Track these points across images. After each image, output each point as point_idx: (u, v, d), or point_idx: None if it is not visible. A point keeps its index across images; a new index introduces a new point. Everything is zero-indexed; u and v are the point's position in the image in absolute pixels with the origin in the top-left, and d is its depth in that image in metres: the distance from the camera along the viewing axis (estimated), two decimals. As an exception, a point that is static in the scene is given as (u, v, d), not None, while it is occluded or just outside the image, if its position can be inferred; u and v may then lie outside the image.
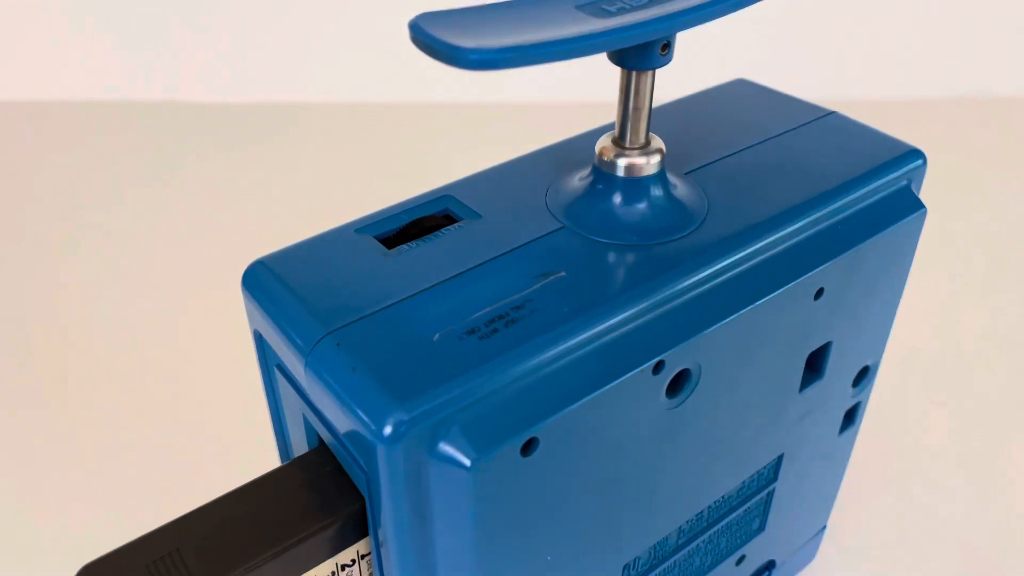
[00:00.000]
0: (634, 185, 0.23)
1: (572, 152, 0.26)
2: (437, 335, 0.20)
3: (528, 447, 0.19)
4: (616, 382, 0.20)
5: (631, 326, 0.21)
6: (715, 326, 0.22)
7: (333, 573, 0.22)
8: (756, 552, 0.31)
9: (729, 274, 0.22)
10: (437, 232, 0.23)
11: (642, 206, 0.23)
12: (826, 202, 0.24)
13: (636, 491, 0.23)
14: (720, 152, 0.26)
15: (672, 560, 0.27)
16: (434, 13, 0.19)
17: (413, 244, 0.23)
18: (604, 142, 0.23)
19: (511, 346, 0.19)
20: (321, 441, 0.23)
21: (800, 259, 0.23)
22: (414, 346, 0.19)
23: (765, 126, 0.28)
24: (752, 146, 0.26)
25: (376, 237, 0.23)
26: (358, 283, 0.21)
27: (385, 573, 0.22)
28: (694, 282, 0.22)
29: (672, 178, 0.24)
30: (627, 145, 0.23)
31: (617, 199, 0.23)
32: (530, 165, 0.26)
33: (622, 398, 0.20)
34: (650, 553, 0.26)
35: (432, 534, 0.20)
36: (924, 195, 0.27)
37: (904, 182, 0.26)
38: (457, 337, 0.20)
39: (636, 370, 0.20)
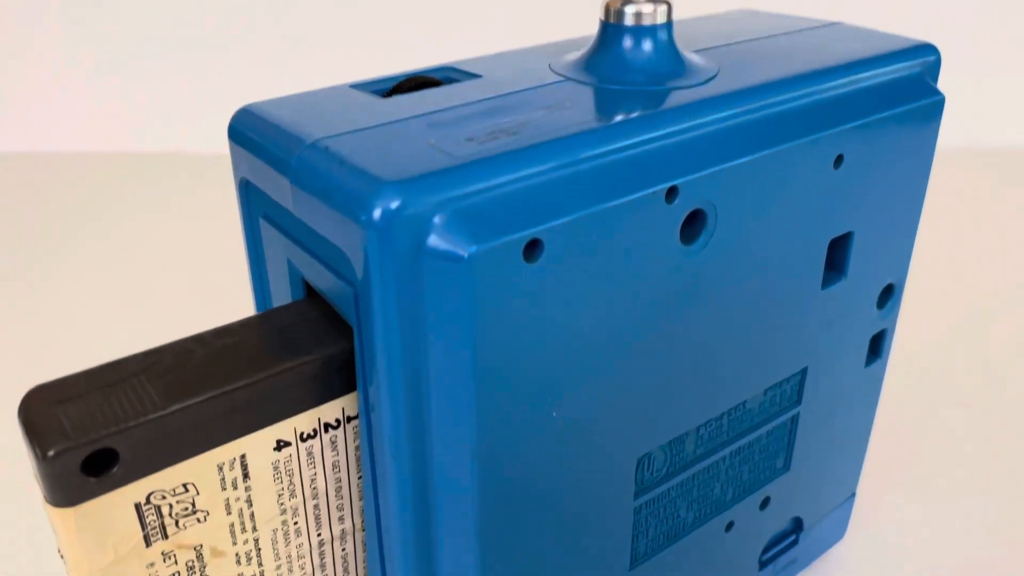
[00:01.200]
0: (643, 32, 0.22)
1: (578, 44, 0.25)
2: (432, 140, 0.18)
3: (532, 251, 0.17)
4: (627, 198, 0.19)
5: (644, 149, 0.19)
6: (730, 163, 0.20)
7: (315, 431, 0.20)
8: (782, 499, 0.28)
9: (744, 119, 0.21)
10: (436, 87, 0.22)
11: (651, 53, 0.22)
12: (839, 73, 0.23)
13: (650, 354, 0.21)
14: (728, 40, 0.26)
15: (690, 473, 0.24)
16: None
17: (411, 94, 0.22)
18: (610, -4, 0.22)
19: (514, 146, 0.18)
20: (308, 292, 0.21)
21: (816, 117, 0.22)
22: (408, 148, 0.18)
23: (773, 28, 0.27)
24: (761, 38, 0.26)
25: (372, 92, 0.22)
26: (350, 112, 0.20)
27: (374, 445, 0.20)
28: (708, 120, 0.21)
29: (680, 47, 0.23)
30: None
31: (627, 44, 0.22)
32: (531, 51, 0.25)
33: (635, 222, 0.19)
34: (666, 455, 0.23)
35: (426, 368, 0.18)
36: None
37: (918, 70, 0.25)
38: (455, 142, 0.18)
39: (648, 190, 0.19)
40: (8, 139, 0.80)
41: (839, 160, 0.23)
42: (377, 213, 0.16)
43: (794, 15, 0.29)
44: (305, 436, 0.20)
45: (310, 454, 0.20)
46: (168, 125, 0.79)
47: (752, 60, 0.24)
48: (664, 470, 0.24)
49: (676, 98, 0.21)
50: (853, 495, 0.32)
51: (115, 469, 0.17)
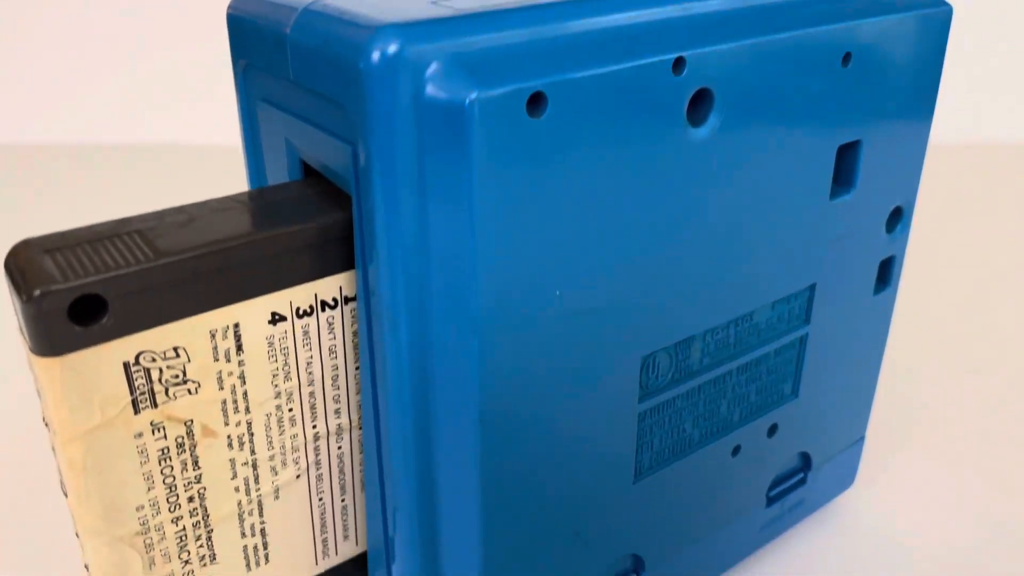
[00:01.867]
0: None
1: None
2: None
3: (536, 104, 0.17)
4: (634, 63, 0.18)
5: (653, 19, 0.19)
6: (739, 42, 0.20)
7: (311, 308, 0.19)
8: (789, 428, 0.28)
9: (753, 2, 0.21)
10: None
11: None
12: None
13: (656, 240, 0.20)
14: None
15: (696, 383, 0.24)
16: None
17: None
18: None
19: (521, 3, 0.18)
20: (305, 172, 0.20)
21: (825, 8, 0.22)
22: (409, 4, 0.18)
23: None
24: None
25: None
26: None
27: (372, 326, 0.19)
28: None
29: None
30: None
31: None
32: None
33: (642, 91, 0.18)
34: (671, 360, 0.23)
35: (426, 234, 0.17)
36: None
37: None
38: (460, 3, 0.18)
39: (656, 58, 0.18)
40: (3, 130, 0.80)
41: (847, 58, 0.22)
42: (376, 56, 0.16)
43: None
44: (301, 312, 0.19)
45: (306, 333, 0.19)
46: (164, 117, 0.79)
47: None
48: (669, 375, 0.23)
49: (682, -19, 0.20)
50: (862, 439, 0.32)
51: (104, 319, 0.16)
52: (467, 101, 0.16)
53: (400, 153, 0.17)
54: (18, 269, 0.16)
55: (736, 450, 0.26)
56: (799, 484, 0.30)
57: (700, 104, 0.20)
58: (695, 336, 0.23)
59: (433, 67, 0.16)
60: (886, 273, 0.28)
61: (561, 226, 0.18)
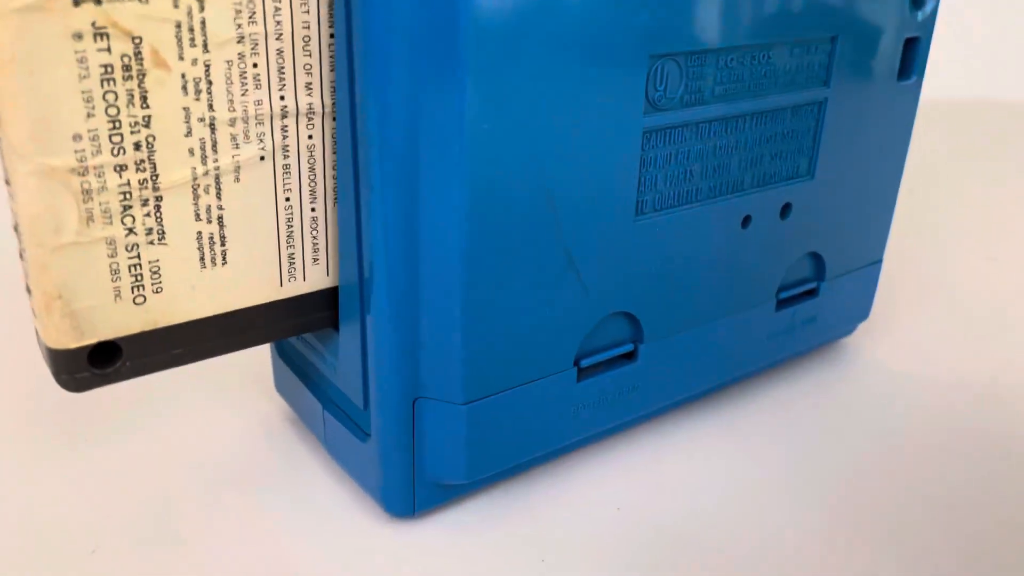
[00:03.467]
0: None
1: None
2: None
3: None
4: None
5: None
6: None
7: None
8: (804, 213, 0.25)
9: None
10: None
11: None
12: None
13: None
14: None
15: (706, 116, 0.22)
16: None
17: None
18: None
19: None
20: None
21: None
22: None
23: None
24: None
25: None
26: None
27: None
28: None
29: None
30: None
31: None
32: None
33: None
34: (681, 73, 0.21)
35: None
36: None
37: None
38: None
39: None
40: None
41: None
42: None
43: None
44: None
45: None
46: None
47: None
48: (679, 94, 0.21)
49: None
50: (879, 263, 0.29)
51: None
52: None
53: None
54: None
55: (746, 221, 0.24)
56: (811, 295, 0.27)
57: None
58: (708, 52, 0.21)
59: None
60: (910, 58, 0.26)
61: None
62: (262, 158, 0.19)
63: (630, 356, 0.23)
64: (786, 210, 0.25)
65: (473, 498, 0.23)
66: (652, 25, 0.19)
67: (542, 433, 0.22)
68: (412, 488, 0.21)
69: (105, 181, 0.17)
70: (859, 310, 0.30)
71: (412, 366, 0.20)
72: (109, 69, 0.16)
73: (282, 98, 0.18)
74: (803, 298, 0.27)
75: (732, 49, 0.21)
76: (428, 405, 0.20)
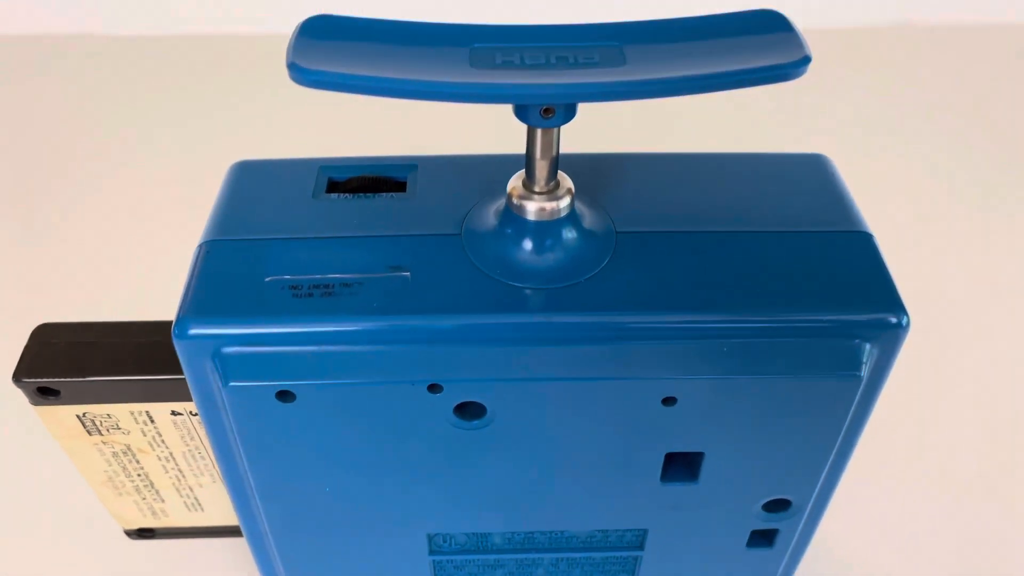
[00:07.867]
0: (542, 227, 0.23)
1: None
2: (269, 278, 0.24)
3: (285, 397, 0.23)
4: (385, 384, 0.22)
5: (415, 347, 0.23)
6: (505, 381, 0.22)
7: (192, 412, 0.28)
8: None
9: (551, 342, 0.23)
10: (368, 194, 0.26)
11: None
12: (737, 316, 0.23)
13: (423, 477, 0.25)
14: (678, 225, 0.25)
15: (497, 557, 0.29)
16: (328, 17, 0.21)
17: (342, 196, 0.26)
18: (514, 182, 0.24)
19: (309, 312, 0.23)
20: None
21: (638, 357, 0.23)
22: (246, 279, 0.23)
23: (764, 215, 0.25)
24: (716, 232, 0.25)
25: (329, 179, 0.27)
26: (270, 212, 0.25)
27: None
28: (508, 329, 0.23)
29: (575, 227, 0.24)
30: (533, 188, 0.23)
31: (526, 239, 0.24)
32: (497, 165, 0.27)
33: (396, 399, 0.23)
34: (467, 537, 0.28)
35: (223, 429, 0.25)
36: None
37: (858, 342, 0.23)
38: (280, 287, 0.23)
39: (407, 382, 0.22)
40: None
41: (671, 400, 0.23)
42: (178, 331, 0.23)
43: (846, 196, 0.26)
44: (183, 412, 0.28)
45: (195, 416, 0.29)
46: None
47: (652, 262, 0.23)
48: (464, 546, 0.28)
49: (500, 299, 0.23)
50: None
51: (59, 395, 0.27)
52: (224, 387, 0.23)
53: (203, 387, 0.24)
54: (26, 349, 0.27)
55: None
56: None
57: (471, 410, 0.23)
58: (491, 533, 0.28)
59: (216, 352, 0.23)
60: (769, 537, 0.28)
61: (316, 459, 0.25)
62: (213, 481, 0.31)
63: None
64: (604, 601, 0.31)
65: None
66: (423, 518, 0.27)
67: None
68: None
69: (124, 484, 0.31)
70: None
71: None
72: (115, 453, 0.30)
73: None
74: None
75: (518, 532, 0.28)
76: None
